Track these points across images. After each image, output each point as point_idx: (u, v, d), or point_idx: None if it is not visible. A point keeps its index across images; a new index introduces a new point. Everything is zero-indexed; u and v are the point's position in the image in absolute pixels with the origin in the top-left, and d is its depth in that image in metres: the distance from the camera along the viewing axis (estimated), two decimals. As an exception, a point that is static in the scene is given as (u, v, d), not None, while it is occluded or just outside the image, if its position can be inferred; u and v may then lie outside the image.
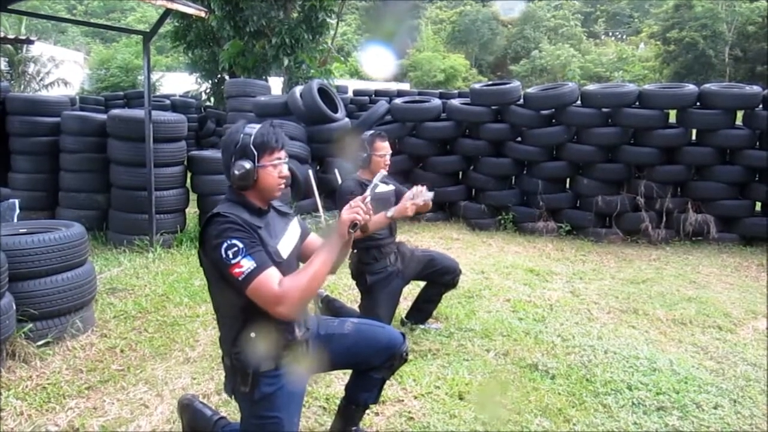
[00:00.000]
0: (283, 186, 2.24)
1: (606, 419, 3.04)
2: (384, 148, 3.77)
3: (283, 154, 2.22)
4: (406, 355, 2.53)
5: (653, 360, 3.73)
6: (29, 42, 10.70)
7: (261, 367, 2.17)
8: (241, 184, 2.16)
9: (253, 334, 2.15)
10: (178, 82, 20.52)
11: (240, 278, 2.00)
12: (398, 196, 3.79)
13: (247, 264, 2.00)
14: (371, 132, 3.83)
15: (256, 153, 2.15)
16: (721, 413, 3.12)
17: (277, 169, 2.19)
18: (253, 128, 2.19)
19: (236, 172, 2.14)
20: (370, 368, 2.50)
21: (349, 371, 2.64)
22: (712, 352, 3.95)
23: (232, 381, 2.25)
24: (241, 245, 2.02)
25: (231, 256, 2.01)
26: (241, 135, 2.17)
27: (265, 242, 2.12)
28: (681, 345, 4.09)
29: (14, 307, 3.41)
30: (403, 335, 2.53)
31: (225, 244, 2.02)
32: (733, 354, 3.92)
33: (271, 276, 2.01)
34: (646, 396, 3.26)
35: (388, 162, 3.80)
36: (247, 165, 2.13)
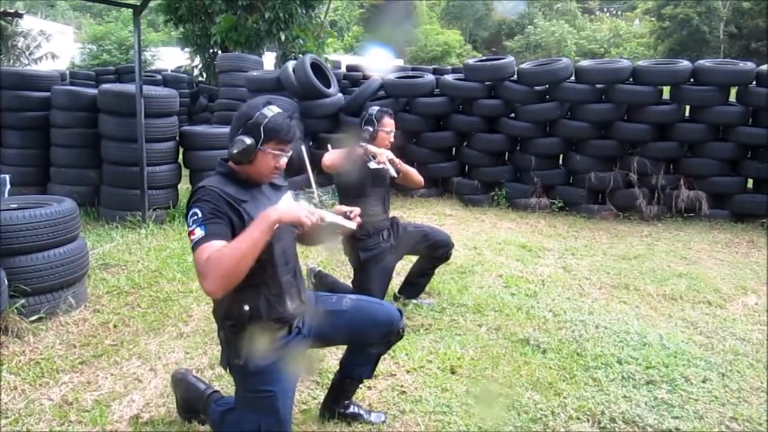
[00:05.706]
0: (275, 175, 2.24)
1: (596, 393, 3.08)
2: (390, 125, 3.84)
3: (288, 147, 2.21)
4: (403, 331, 2.55)
5: (643, 335, 3.76)
6: (18, 15, 10.56)
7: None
8: (237, 158, 2.15)
9: (246, 307, 2.16)
10: (174, 57, 20.27)
11: (191, 244, 2.03)
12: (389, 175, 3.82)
13: (198, 232, 2.02)
14: (378, 108, 3.85)
15: (263, 136, 2.13)
16: (710, 387, 3.16)
17: (275, 159, 2.18)
18: (272, 111, 2.16)
19: (236, 147, 2.13)
20: (366, 344, 2.52)
21: (342, 345, 2.66)
22: (702, 327, 3.99)
23: (227, 354, 2.26)
24: (200, 214, 2.05)
25: (191, 223, 2.05)
26: (258, 113, 2.15)
27: (251, 215, 2.11)
28: (671, 320, 4.13)
29: (6, 282, 3.41)
30: (401, 312, 2.55)
31: (190, 212, 2.07)
32: (723, 329, 3.97)
33: (207, 248, 1.98)
34: (636, 370, 3.30)
35: (392, 140, 3.85)
36: (249, 143, 2.12)
